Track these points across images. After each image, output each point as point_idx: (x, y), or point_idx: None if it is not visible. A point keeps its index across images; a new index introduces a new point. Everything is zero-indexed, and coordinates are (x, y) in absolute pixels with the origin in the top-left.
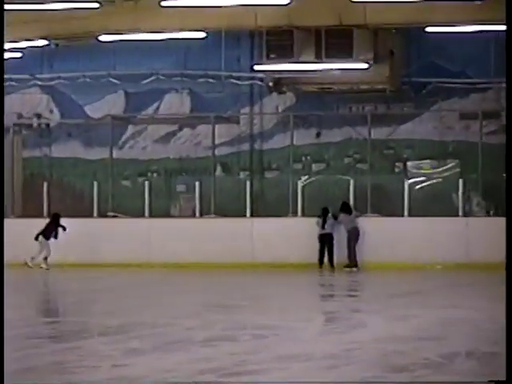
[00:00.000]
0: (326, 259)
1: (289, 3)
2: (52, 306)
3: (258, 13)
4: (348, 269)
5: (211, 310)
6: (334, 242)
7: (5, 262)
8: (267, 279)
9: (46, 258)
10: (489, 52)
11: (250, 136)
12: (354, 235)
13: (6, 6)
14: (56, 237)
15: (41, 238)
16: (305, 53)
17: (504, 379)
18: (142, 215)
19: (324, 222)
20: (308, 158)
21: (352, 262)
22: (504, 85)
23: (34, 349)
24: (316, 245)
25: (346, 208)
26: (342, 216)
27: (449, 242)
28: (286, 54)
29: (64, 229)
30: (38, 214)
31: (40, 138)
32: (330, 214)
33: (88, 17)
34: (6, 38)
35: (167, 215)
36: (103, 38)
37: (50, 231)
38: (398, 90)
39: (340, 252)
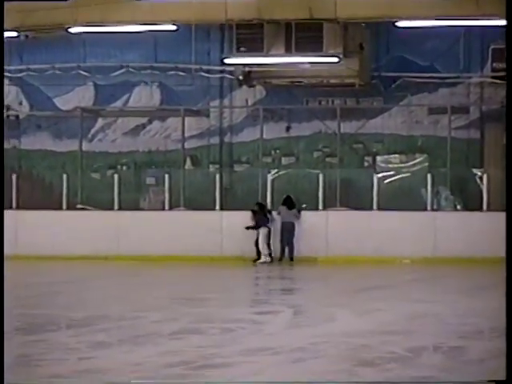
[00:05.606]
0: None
1: None
2: (19, 298)
3: (228, 6)
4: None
5: (179, 302)
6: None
7: None
8: (235, 272)
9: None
10: (458, 47)
11: (219, 129)
12: (288, 229)
13: None
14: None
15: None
16: (275, 46)
17: (504, 379)
18: (112, 208)
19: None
20: (277, 151)
21: (289, 256)
22: (473, 80)
23: None
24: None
25: (288, 202)
26: (280, 208)
27: (417, 236)
28: (255, 48)
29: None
30: (7, 206)
31: (9, 130)
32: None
33: (58, 8)
34: None
35: (136, 208)
36: (73, 29)
37: (259, 221)
38: (368, 85)
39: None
